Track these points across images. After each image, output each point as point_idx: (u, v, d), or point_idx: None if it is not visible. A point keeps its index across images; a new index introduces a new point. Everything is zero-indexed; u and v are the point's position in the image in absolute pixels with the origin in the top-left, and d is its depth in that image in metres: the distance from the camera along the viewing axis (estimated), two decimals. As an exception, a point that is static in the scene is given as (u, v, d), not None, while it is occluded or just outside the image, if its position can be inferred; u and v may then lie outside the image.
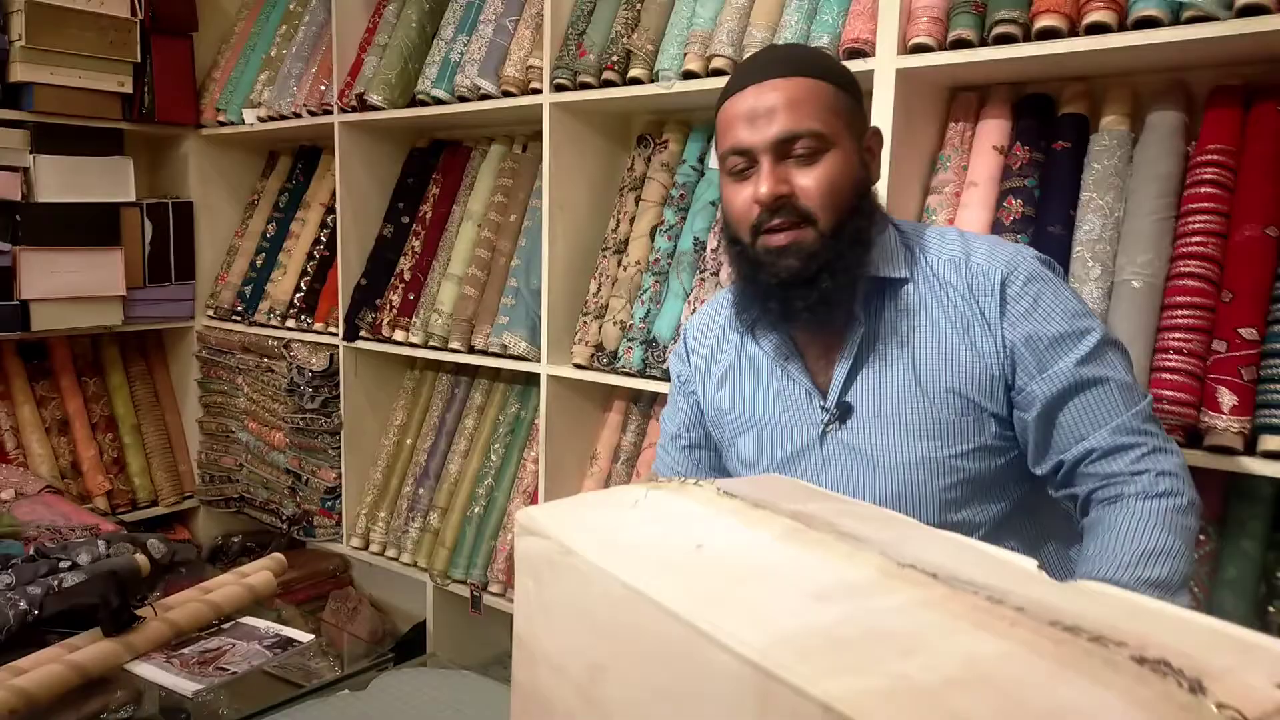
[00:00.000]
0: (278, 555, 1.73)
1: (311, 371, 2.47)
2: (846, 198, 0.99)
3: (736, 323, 1.13)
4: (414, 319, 2.27)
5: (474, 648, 2.34)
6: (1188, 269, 1.34)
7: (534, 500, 2.13)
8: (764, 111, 0.98)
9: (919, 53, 1.46)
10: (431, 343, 2.23)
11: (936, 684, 0.40)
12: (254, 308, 2.68)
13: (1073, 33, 1.35)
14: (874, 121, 1.48)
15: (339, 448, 2.49)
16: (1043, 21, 1.35)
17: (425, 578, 2.30)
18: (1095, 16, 1.31)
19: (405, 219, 2.41)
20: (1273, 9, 1.19)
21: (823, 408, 1.06)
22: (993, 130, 1.56)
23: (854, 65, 1.51)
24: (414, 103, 2.21)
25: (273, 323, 2.61)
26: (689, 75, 1.72)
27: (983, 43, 1.42)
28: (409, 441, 2.48)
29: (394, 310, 2.32)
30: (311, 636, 1.48)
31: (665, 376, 1.81)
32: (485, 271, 2.19)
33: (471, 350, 2.17)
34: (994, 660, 0.42)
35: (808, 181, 0.97)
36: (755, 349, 1.13)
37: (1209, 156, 1.38)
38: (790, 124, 0.97)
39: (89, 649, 1.33)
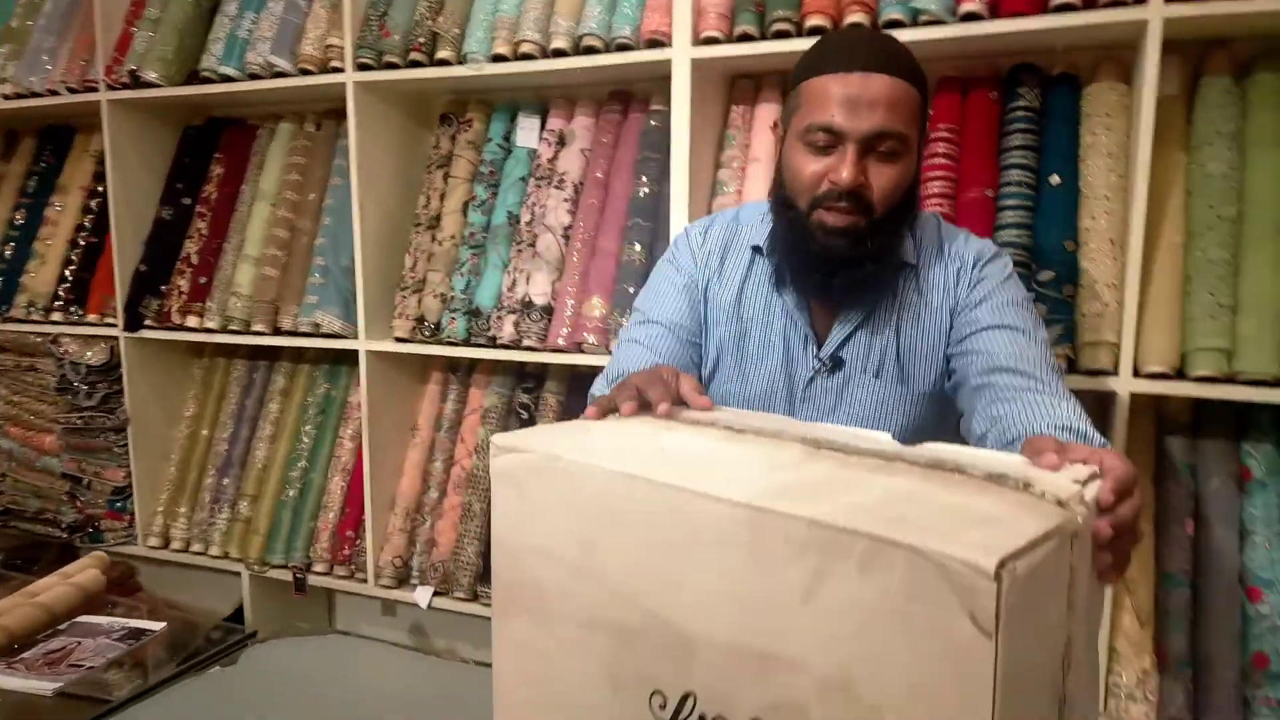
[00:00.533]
0: (99, 554, 1.67)
1: (87, 366, 2.31)
2: (901, 196, 1.08)
3: (759, 253, 1.19)
4: (208, 303, 2.20)
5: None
6: (930, 225, 1.65)
7: (355, 478, 2.15)
8: (866, 103, 1.02)
9: (710, 44, 1.66)
10: (232, 326, 2.17)
11: (876, 503, 0.58)
12: (8, 302, 2.44)
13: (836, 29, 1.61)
14: (673, 106, 1.67)
15: (125, 445, 2.35)
16: (812, 20, 1.60)
17: (240, 568, 2.25)
18: (853, 17, 1.58)
19: (186, 200, 2.31)
20: (985, 16, 1.51)
21: (817, 357, 1.17)
22: (769, 112, 1.81)
23: (653, 55, 1.69)
24: (196, 79, 2.13)
25: (34, 317, 2.40)
26: (498, 58, 1.82)
27: (763, 37, 1.65)
28: (205, 432, 2.40)
29: (184, 296, 2.23)
30: (163, 624, 1.46)
31: (490, 344, 1.92)
32: (286, 251, 2.16)
33: (278, 332, 2.15)
34: (906, 488, 0.61)
35: (882, 180, 1.04)
36: (763, 278, 1.19)
37: (939, 133, 1.70)
38: (887, 124, 1.02)
39: (-79, 664, 1.25)
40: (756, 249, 1.20)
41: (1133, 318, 1.48)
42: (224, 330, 2.18)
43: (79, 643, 1.40)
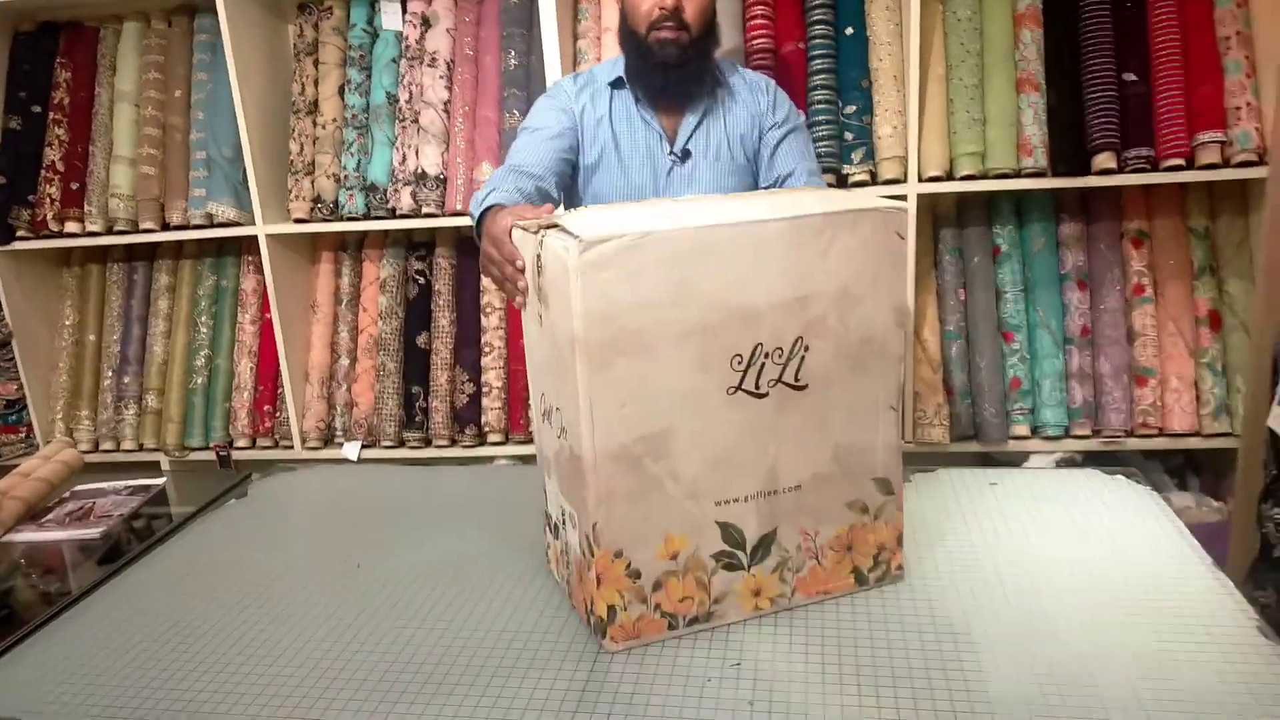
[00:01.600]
0: (64, 439, 1.80)
1: (-44, 285, 2.30)
2: (708, 18, 1.51)
3: (615, 87, 1.56)
4: (87, 207, 2.25)
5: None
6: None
7: (265, 358, 2.33)
8: None
9: (562, -73, 1.91)
10: (118, 227, 2.24)
11: (834, 201, 1.01)
12: None
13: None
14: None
15: (11, 359, 2.38)
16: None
17: (158, 456, 2.39)
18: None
19: (36, 108, 2.29)
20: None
21: (670, 152, 1.55)
22: (612, -14, 2.09)
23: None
24: (33, -19, 2.11)
25: (-119, 242, 2.33)
26: (364, -53, 1.98)
27: (607, -81, 1.91)
28: (91, 337, 2.46)
29: (55, 203, 2.26)
30: (164, 479, 1.66)
31: (390, 215, 2.13)
32: (160, 149, 2.24)
33: (168, 227, 2.25)
34: (839, 195, 1.03)
35: (692, 4, 1.47)
36: (623, 107, 1.56)
37: (758, 1, 2.05)
38: None
39: (-32, 530, 1.40)
40: (613, 84, 1.57)
41: (914, 135, 1.94)
42: (110, 232, 2.25)
43: (93, 503, 1.58)
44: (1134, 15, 1.91)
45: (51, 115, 2.28)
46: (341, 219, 2.15)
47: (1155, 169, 1.89)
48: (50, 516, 1.53)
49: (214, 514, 1.52)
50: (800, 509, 1.04)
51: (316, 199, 2.15)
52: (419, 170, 2.08)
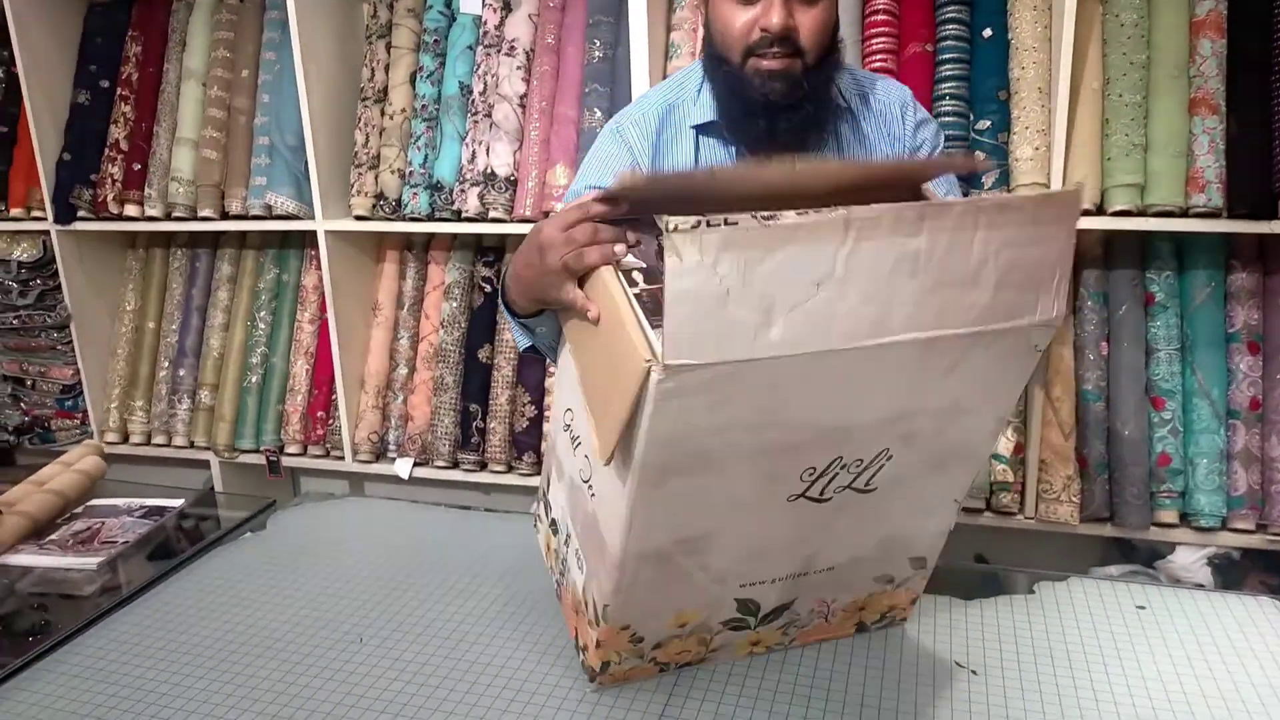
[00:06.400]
0: (92, 442, 1.68)
1: (18, 263, 2.23)
2: (829, 38, 1.11)
3: (703, 133, 1.19)
4: (147, 190, 2.14)
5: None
6: (876, 81, 1.75)
7: (321, 360, 2.19)
8: None
9: (661, -97, 1.68)
10: (176, 214, 2.13)
11: (980, 293, 0.75)
12: (-86, 201, 2.31)
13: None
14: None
15: (70, 343, 2.31)
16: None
17: (208, 455, 2.28)
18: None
19: (104, 83, 2.20)
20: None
21: None
22: (716, -28, 1.85)
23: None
24: (104, -50, 2.00)
25: (-52, 215, 2.28)
26: (443, -79, 1.79)
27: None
28: (151, 325, 2.37)
29: (117, 184, 2.16)
30: (182, 501, 1.51)
31: (454, 217, 1.95)
32: (224, 133, 2.11)
33: (226, 216, 2.12)
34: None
35: (808, 21, 1.07)
36: (711, 155, 1.19)
37: (879, -9, 1.78)
38: None
39: (-43, 552, 1.28)
40: (699, 128, 1.19)
41: (1060, 159, 1.64)
42: (169, 218, 2.14)
43: (102, 523, 1.44)
44: (1348, 26, 1.57)
45: (119, 91, 2.18)
46: (404, 219, 1.98)
47: (1361, 215, 1.55)
48: (54, 536, 1.40)
49: (223, 549, 1.35)
50: (826, 584, 0.96)
51: (379, 195, 1.99)
52: (488, 170, 1.89)
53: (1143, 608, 1.10)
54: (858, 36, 1.78)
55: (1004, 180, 1.69)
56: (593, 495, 0.87)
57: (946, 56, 1.74)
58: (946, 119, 1.72)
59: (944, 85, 1.74)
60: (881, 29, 1.77)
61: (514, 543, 1.33)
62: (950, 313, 0.73)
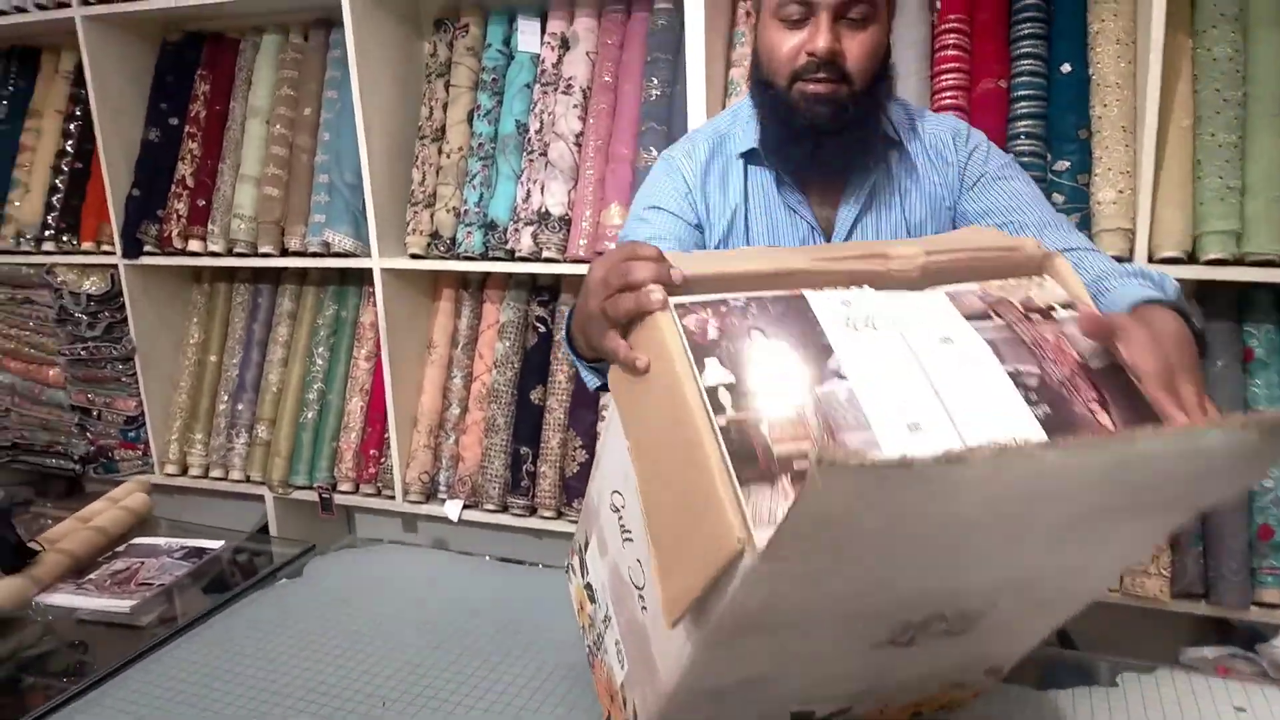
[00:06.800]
0: (140, 479, 1.69)
1: (87, 296, 2.28)
2: (878, 64, 1.08)
3: (750, 161, 1.16)
4: (210, 226, 2.17)
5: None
6: (946, 119, 1.67)
7: (375, 398, 2.17)
8: None
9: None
10: (238, 249, 2.15)
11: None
12: (-7, 234, 2.38)
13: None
14: (686, 4, 1.65)
15: (134, 375, 2.34)
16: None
17: (263, 490, 2.28)
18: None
19: (173, 121, 2.24)
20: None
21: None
22: (778, 8, 1.79)
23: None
24: (175, -9, 2.05)
25: (24, 248, 2.35)
26: (501, -40, 1.78)
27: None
28: (213, 358, 2.39)
29: (182, 220, 2.19)
30: (222, 542, 1.49)
31: (506, 256, 1.92)
32: (286, 170, 2.13)
33: (286, 253, 2.13)
34: None
35: (856, 47, 1.05)
36: (761, 183, 1.16)
37: (950, 24, 1.70)
38: None
39: (-5, 589, 1.28)
40: (746, 155, 1.17)
41: (1147, 203, 1.53)
42: (230, 254, 2.16)
43: (141, 563, 1.43)
44: None
45: (187, 129, 2.22)
46: (457, 257, 1.95)
47: None
48: (93, 576, 1.39)
49: (257, 597, 1.32)
50: (891, 693, 0.83)
51: (434, 234, 1.97)
52: (543, 209, 1.85)
53: (1243, 710, 0.98)
54: (926, 72, 1.70)
55: (1085, 225, 1.59)
56: (644, 609, 0.74)
57: (1022, 93, 1.65)
58: (1022, 159, 1.62)
59: (1019, 124, 1.64)
60: (952, 64, 1.69)
61: (553, 600, 1.27)
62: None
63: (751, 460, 0.58)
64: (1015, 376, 0.67)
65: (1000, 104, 1.66)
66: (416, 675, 1.09)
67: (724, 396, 0.62)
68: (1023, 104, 1.65)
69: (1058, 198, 1.59)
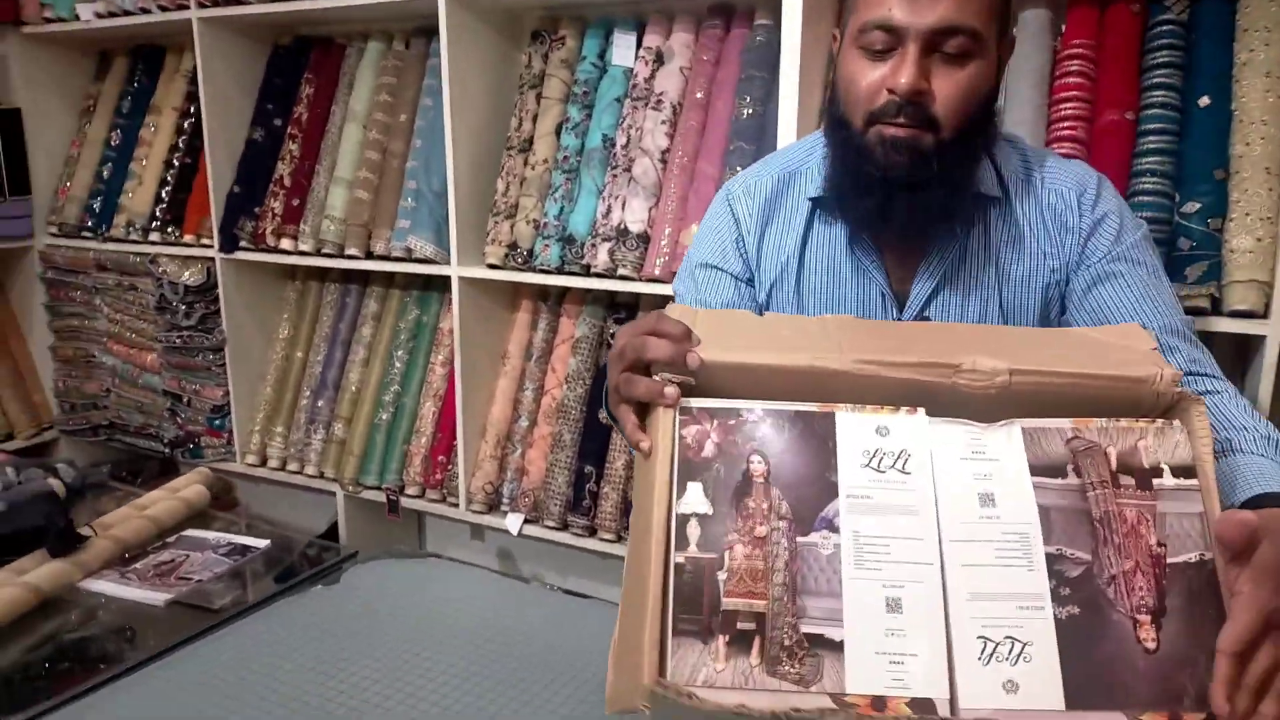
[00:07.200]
0: (203, 470, 1.70)
1: (185, 286, 2.34)
2: (977, 109, 0.91)
3: (819, 206, 1.03)
4: (302, 226, 2.20)
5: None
6: (1061, 152, 1.52)
7: (447, 404, 2.15)
8: None
9: (826, -50, 1.54)
10: (325, 250, 2.17)
11: None
12: (107, 222, 2.48)
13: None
14: (783, 21, 1.56)
15: (223, 365, 2.40)
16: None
17: (335, 487, 2.29)
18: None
19: (277, 122, 2.29)
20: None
21: (899, 319, 0.99)
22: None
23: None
24: (286, -5, 2.09)
25: (133, 237, 2.44)
26: (597, -31, 1.74)
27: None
28: (299, 354, 2.42)
29: (277, 218, 2.23)
30: (267, 542, 1.48)
31: (582, 272, 1.87)
32: (377, 174, 2.14)
33: (370, 256, 2.14)
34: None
35: (949, 87, 0.88)
36: (828, 233, 1.03)
37: (1073, 49, 1.56)
38: (954, 16, 0.85)
39: (41, 570, 1.29)
40: (816, 200, 1.02)
41: (1289, 255, 1.35)
42: (317, 253, 2.18)
43: (187, 556, 1.43)
44: None
45: (289, 130, 2.26)
46: (533, 269, 1.91)
47: None
48: (138, 565, 1.40)
49: (288, 601, 1.30)
50: None
51: (513, 245, 1.93)
52: (622, 225, 1.79)
53: None
54: (1044, 100, 1.56)
55: (1215, 274, 1.42)
56: None
57: (1151, 126, 1.49)
58: (1145, 198, 1.47)
59: (1146, 160, 1.48)
60: (1073, 92, 1.54)
61: (595, 634, 1.19)
62: None
63: (695, 609, 0.56)
64: (1054, 560, 0.56)
65: (1125, 138, 1.51)
66: (440, 706, 1.03)
67: (693, 530, 0.59)
68: (1152, 138, 1.49)
69: (1185, 242, 1.43)
